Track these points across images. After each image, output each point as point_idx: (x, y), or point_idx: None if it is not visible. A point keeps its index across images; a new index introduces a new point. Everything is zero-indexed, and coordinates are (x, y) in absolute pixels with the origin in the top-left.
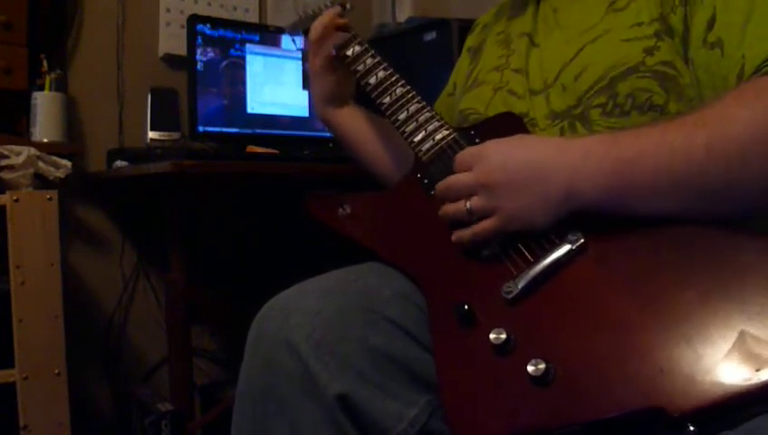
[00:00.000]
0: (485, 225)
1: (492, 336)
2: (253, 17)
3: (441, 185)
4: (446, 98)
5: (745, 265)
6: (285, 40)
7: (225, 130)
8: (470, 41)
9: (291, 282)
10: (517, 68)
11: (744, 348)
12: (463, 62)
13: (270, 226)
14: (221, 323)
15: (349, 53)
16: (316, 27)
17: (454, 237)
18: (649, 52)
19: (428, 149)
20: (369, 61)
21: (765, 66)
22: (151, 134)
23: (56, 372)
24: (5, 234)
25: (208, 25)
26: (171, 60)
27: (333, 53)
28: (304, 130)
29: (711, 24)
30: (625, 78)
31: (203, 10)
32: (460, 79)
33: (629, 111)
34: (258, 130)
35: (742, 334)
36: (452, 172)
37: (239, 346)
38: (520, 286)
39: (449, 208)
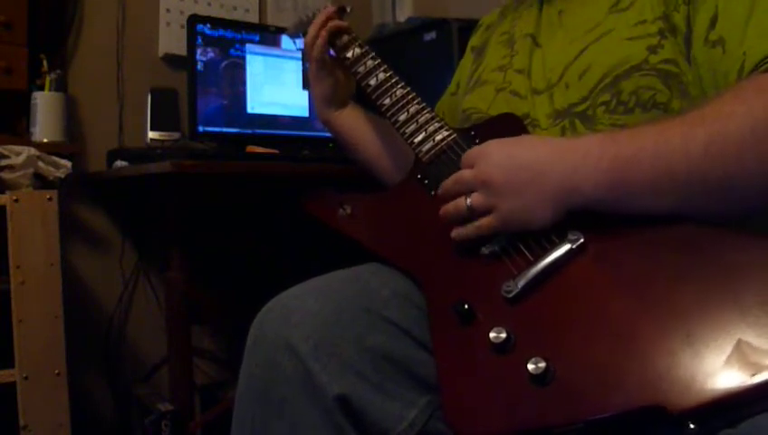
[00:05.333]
0: (485, 222)
1: (492, 335)
2: (253, 17)
3: (445, 183)
4: (449, 97)
5: (744, 264)
6: (285, 40)
7: (225, 130)
8: (474, 40)
9: (291, 282)
10: (520, 68)
11: (742, 348)
12: (466, 62)
13: (270, 226)
14: (221, 323)
15: (349, 55)
16: (310, 30)
17: (453, 234)
18: (653, 50)
19: (429, 150)
20: (369, 63)
21: (765, 63)
22: (151, 134)
23: (56, 372)
24: (5, 234)
25: (208, 25)
26: (171, 60)
27: (331, 54)
28: (304, 130)
29: (713, 23)
30: (628, 76)
31: (203, 10)
32: (463, 78)
33: (633, 109)
34: (258, 130)
35: (741, 334)
36: (452, 172)
37: (239, 346)
38: (520, 285)
39: (450, 206)
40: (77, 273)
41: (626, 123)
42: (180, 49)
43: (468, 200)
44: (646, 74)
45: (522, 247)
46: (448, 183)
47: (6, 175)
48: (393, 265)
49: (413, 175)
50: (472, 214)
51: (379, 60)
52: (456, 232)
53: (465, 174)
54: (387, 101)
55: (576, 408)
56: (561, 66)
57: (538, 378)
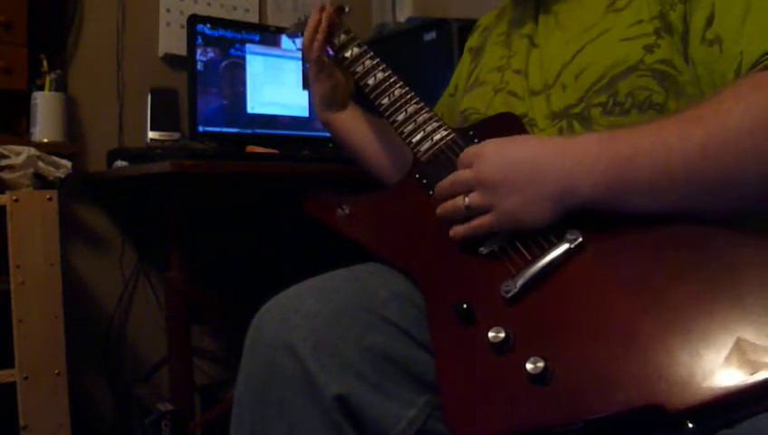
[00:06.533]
0: (482, 221)
1: (490, 335)
2: (253, 17)
3: (441, 184)
4: (448, 99)
5: (744, 262)
6: (285, 40)
7: (225, 130)
8: (471, 41)
9: (291, 282)
10: (517, 69)
11: (742, 347)
12: (463, 63)
13: (270, 226)
14: (221, 323)
15: (347, 54)
16: (306, 30)
17: (451, 232)
18: (649, 49)
19: (427, 150)
20: (367, 62)
21: (762, 61)
22: (151, 134)
23: (56, 372)
24: (5, 234)
25: (208, 25)
26: (171, 60)
27: (330, 53)
28: (304, 130)
29: (710, 22)
30: (625, 77)
31: (203, 10)
32: (461, 79)
33: (629, 110)
34: (258, 130)
35: (740, 333)
36: (451, 172)
37: (239, 346)
38: (518, 285)
39: (447, 205)
40: (77, 273)
41: (622, 124)
42: (180, 49)
43: (466, 200)
44: (642, 75)
45: (520, 247)
46: (445, 185)
47: (6, 175)
48: (392, 265)
49: (411, 174)
50: (470, 213)
51: (378, 59)
52: (454, 230)
53: (462, 174)
54: (385, 101)
55: (575, 407)
56: (558, 67)
57: (537, 378)
